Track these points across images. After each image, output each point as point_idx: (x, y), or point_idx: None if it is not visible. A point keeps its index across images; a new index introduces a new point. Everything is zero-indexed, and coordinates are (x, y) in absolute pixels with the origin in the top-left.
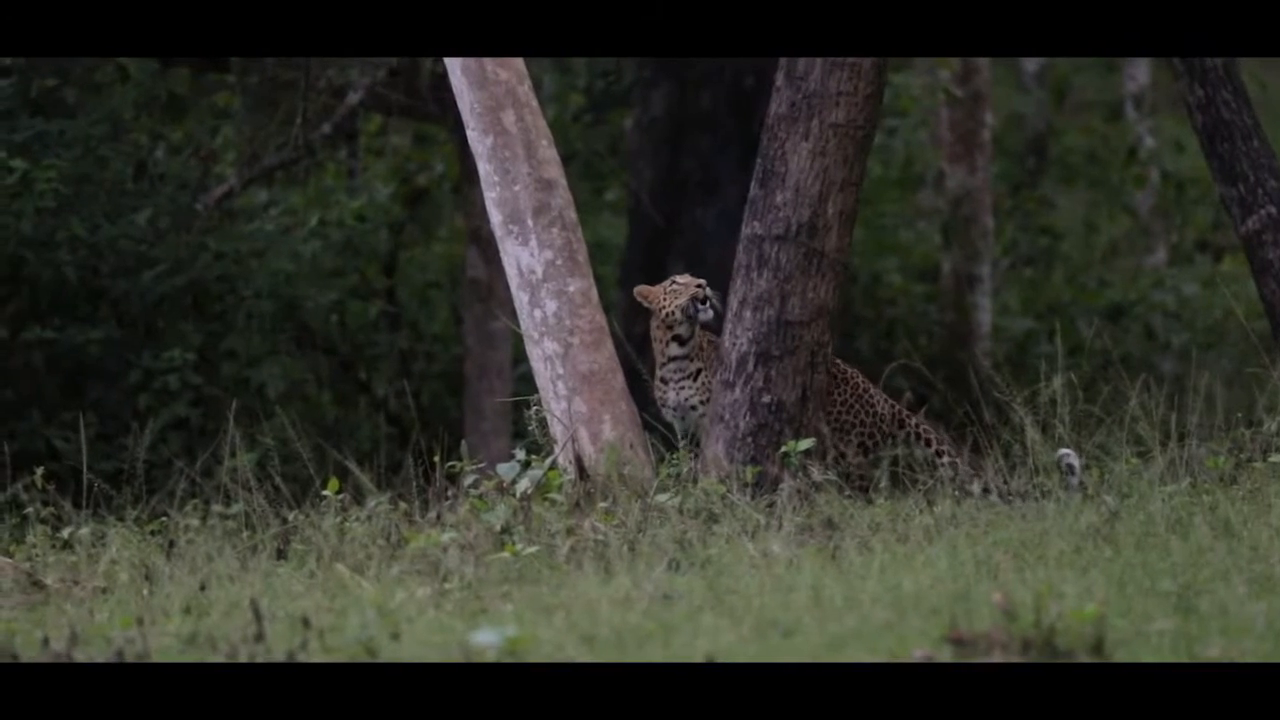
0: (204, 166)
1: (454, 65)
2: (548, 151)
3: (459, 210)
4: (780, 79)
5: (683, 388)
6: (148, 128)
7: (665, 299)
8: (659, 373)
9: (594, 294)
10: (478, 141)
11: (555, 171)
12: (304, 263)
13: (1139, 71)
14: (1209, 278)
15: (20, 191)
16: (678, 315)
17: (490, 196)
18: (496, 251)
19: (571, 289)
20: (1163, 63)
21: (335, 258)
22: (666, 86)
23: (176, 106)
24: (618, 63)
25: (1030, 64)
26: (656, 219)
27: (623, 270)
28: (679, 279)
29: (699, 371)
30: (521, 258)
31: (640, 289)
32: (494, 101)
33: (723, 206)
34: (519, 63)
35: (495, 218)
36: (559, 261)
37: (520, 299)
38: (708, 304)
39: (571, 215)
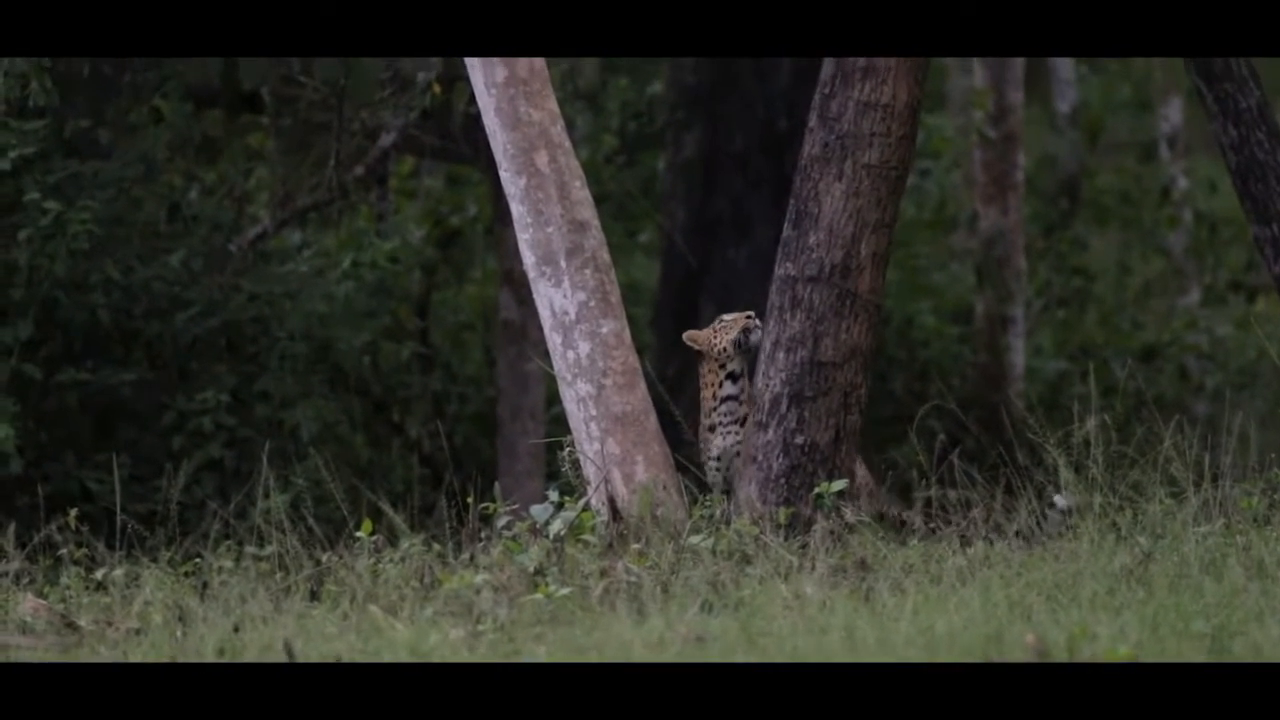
0: (237, 208)
1: (487, 106)
2: (581, 193)
3: (492, 252)
4: (813, 120)
5: (729, 433)
6: (181, 169)
7: (716, 337)
8: (708, 420)
9: (627, 335)
10: (510, 183)
11: (588, 213)
12: (337, 304)
13: (1172, 112)
14: (1242, 318)
15: (54, 233)
16: (730, 350)
17: (523, 238)
18: (529, 293)
19: (604, 330)
20: (1196, 103)
21: (368, 299)
22: (699, 128)
23: (210, 148)
24: (650, 104)
25: (1064, 104)
26: (689, 260)
27: (655, 312)
28: (725, 317)
29: (745, 417)
30: (554, 299)
31: (689, 334)
32: (527, 143)
33: (755, 247)
34: (552, 103)
35: (528, 259)
36: (592, 303)
37: (553, 340)
38: (758, 330)
39: (604, 257)
